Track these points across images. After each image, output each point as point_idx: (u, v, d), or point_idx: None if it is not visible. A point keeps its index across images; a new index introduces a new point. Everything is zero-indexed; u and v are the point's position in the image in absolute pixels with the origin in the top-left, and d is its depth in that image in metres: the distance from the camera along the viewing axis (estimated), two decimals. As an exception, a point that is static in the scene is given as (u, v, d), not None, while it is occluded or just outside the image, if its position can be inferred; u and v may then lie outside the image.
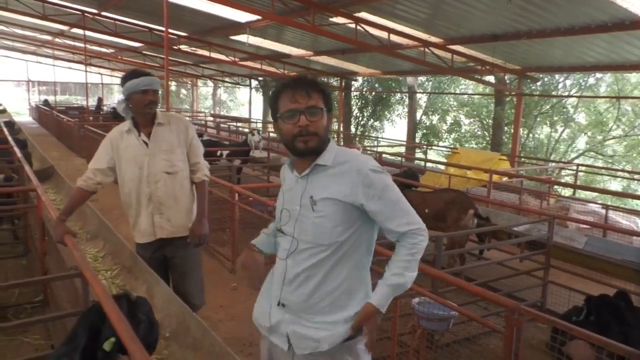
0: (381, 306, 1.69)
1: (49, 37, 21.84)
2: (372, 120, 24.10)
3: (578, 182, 11.20)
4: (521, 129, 15.44)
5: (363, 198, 1.67)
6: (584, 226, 6.47)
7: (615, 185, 17.93)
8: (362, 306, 1.72)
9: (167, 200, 2.99)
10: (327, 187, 1.69)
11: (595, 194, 12.29)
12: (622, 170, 16.34)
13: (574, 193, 10.84)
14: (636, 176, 15.45)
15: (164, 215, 3.00)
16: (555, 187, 10.24)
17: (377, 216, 1.70)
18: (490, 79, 14.09)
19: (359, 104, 23.92)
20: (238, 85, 28.94)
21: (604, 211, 7.17)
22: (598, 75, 17.40)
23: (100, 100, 25.60)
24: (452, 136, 23.30)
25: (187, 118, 3.07)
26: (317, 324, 1.70)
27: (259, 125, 22.41)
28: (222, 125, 20.25)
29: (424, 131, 23.32)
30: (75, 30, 17.08)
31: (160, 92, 3.04)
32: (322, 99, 1.72)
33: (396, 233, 1.71)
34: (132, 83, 2.82)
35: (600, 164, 19.14)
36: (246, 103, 28.47)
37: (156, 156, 2.95)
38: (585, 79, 18.02)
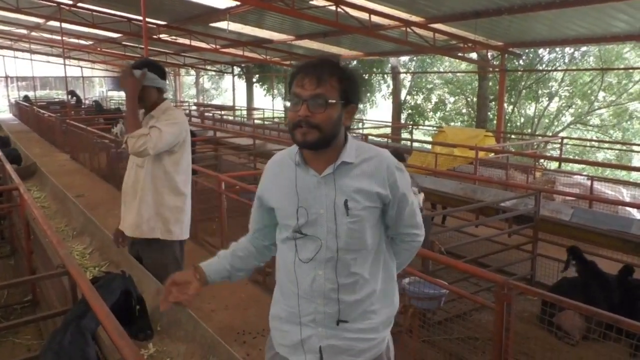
0: None
1: (24, 31, 21.33)
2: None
3: (564, 155, 11.30)
4: (506, 105, 15.46)
5: (390, 195, 1.58)
6: (570, 198, 6.54)
7: (602, 155, 18.10)
8: (393, 307, 1.68)
9: (127, 194, 2.91)
10: (361, 190, 1.54)
11: (582, 165, 12.42)
12: (605, 142, 16.51)
13: (559, 166, 10.95)
14: (617, 145, 15.65)
15: (126, 209, 2.93)
16: (541, 160, 10.32)
17: (389, 216, 1.61)
18: (474, 56, 14.05)
19: (342, 86, 23.76)
20: (221, 73, 28.62)
21: (589, 182, 7.25)
22: (583, 48, 17.41)
23: (72, 92, 20.89)
24: (438, 115, 23.31)
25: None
26: (354, 333, 1.58)
27: (244, 112, 22.21)
28: (206, 114, 20.02)
29: (409, 111, 23.28)
30: (51, 22, 16.70)
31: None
32: (337, 88, 1.50)
33: (399, 234, 1.67)
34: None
35: (588, 134, 19.27)
36: (230, 90, 28.16)
37: None
38: (570, 51, 18.04)
